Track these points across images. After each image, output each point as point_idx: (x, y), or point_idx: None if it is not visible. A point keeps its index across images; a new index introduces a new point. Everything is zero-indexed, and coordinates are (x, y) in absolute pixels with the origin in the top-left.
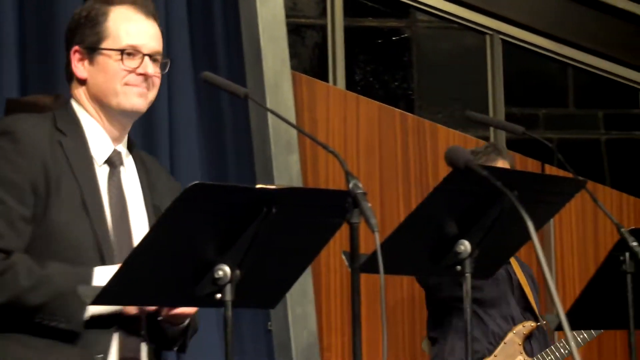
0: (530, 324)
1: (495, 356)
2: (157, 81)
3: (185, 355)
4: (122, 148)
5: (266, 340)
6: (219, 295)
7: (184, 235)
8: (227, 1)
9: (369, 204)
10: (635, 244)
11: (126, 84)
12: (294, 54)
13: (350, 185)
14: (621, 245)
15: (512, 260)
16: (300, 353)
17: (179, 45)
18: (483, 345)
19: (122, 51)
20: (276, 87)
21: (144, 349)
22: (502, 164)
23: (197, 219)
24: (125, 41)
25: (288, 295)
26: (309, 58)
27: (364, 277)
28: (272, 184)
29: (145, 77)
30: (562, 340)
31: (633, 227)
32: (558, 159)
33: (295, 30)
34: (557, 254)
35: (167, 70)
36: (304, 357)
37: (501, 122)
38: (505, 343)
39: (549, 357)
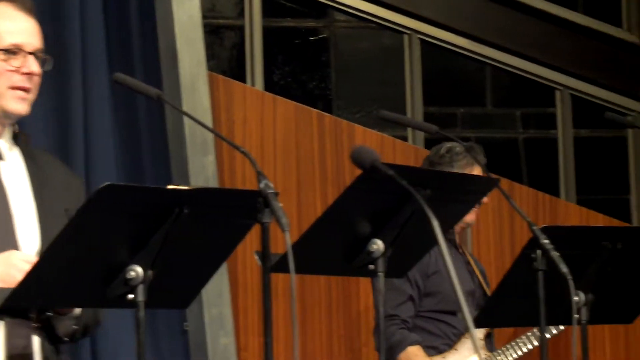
0: None
1: (455, 350)
2: (39, 80)
3: (100, 355)
4: (4, 143)
5: (183, 340)
6: (131, 296)
7: (95, 236)
8: (143, 2)
9: (280, 204)
10: (546, 241)
11: (11, 87)
12: (212, 55)
13: (261, 185)
14: (533, 243)
15: (469, 258)
16: (216, 353)
17: (95, 47)
18: (444, 340)
19: (6, 51)
20: (192, 89)
21: (36, 339)
22: (478, 171)
23: (109, 220)
24: (8, 40)
25: (204, 295)
26: (227, 59)
27: (282, 276)
28: (188, 185)
29: (30, 75)
30: (523, 336)
31: (545, 225)
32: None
33: (213, 32)
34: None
35: (47, 67)
36: (220, 358)
37: (414, 122)
38: (466, 337)
39: (508, 352)
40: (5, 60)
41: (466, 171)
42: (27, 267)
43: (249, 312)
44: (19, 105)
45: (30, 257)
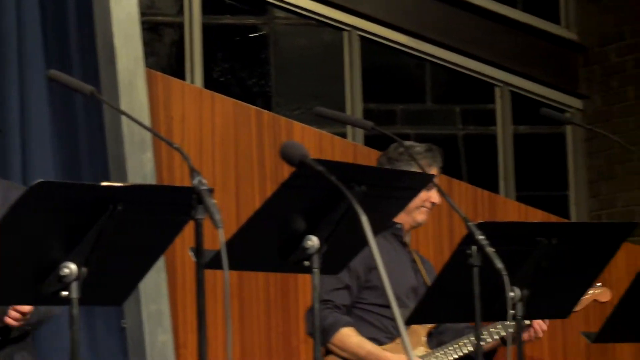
0: None
1: (397, 343)
2: None
3: (38, 355)
4: None
5: (120, 338)
6: (64, 293)
7: (28, 233)
8: (80, 0)
9: (214, 200)
10: (481, 237)
11: None
12: (151, 52)
13: (195, 181)
14: (468, 239)
15: (415, 256)
16: (154, 350)
17: (32, 44)
18: (386, 334)
19: None
20: (130, 86)
21: None
22: (435, 171)
23: (42, 217)
24: None
25: (142, 292)
26: (167, 56)
27: (221, 273)
28: (125, 182)
29: None
30: (467, 337)
31: (480, 221)
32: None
33: (153, 29)
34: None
35: None
36: (158, 355)
37: (350, 118)
38: (409, 331)
39: (451, 349)
40: None
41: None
42: None
43: (187, 308)
44: None
45: None
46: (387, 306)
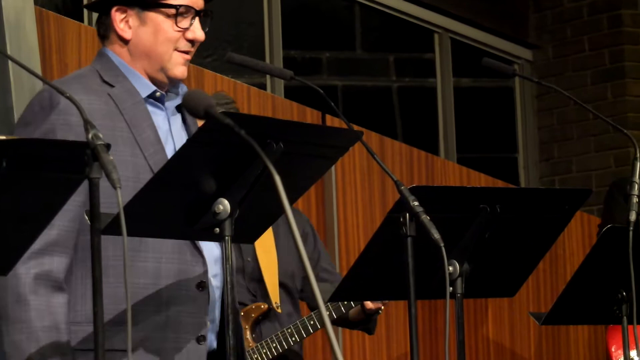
0: (260, 306)
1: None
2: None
3: None
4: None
5: None
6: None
7: None
8: None
9: (111, 157)
10: (416, 203)
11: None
12: None
13: (90, 135)
14: (401, 205)
15: None
16: None
17: None
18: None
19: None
20: (18, 26)
21: None
22: None
23: None
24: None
25: None
26: None
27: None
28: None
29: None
30: (292, 326)
31: (415, 185)
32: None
33: None
34: (340, 215)
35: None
36: None
37: (267, 66)
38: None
39: (274, 344)
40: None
41: None
42: None
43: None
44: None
45: None
46: None
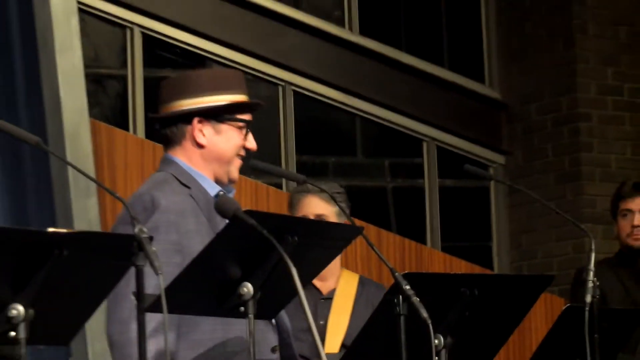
0: None
1: None
2: None
3: None
4: None
5: None
6: (12, 334)
7: None
8: (26, 52)
9: (154, 248)
10: (407, 287)
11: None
12: (96, 103)
13: (136, 230)
14: (395, 289)
15: None
16: None
17: None
18: None
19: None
20: (75, 136)
21: None
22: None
23: None
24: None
25: (88, 331)
26: (110, 107)
27: None
28: (70, 228)
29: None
30: None
31: (407, 272)
32: (350, 207)
33: (97, 80)
34: None
35: None
36: None
37: (283, 171)
38: None
39: None
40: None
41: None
42: None
43: None
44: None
45: None
46: None
